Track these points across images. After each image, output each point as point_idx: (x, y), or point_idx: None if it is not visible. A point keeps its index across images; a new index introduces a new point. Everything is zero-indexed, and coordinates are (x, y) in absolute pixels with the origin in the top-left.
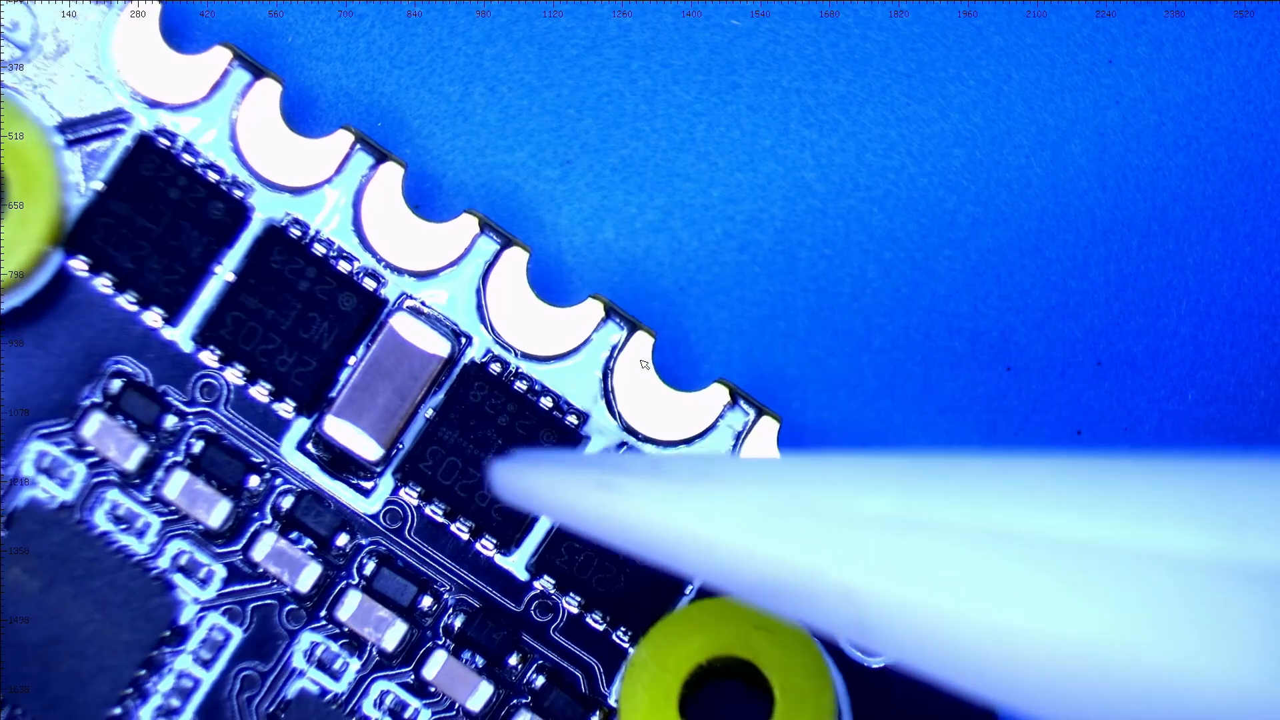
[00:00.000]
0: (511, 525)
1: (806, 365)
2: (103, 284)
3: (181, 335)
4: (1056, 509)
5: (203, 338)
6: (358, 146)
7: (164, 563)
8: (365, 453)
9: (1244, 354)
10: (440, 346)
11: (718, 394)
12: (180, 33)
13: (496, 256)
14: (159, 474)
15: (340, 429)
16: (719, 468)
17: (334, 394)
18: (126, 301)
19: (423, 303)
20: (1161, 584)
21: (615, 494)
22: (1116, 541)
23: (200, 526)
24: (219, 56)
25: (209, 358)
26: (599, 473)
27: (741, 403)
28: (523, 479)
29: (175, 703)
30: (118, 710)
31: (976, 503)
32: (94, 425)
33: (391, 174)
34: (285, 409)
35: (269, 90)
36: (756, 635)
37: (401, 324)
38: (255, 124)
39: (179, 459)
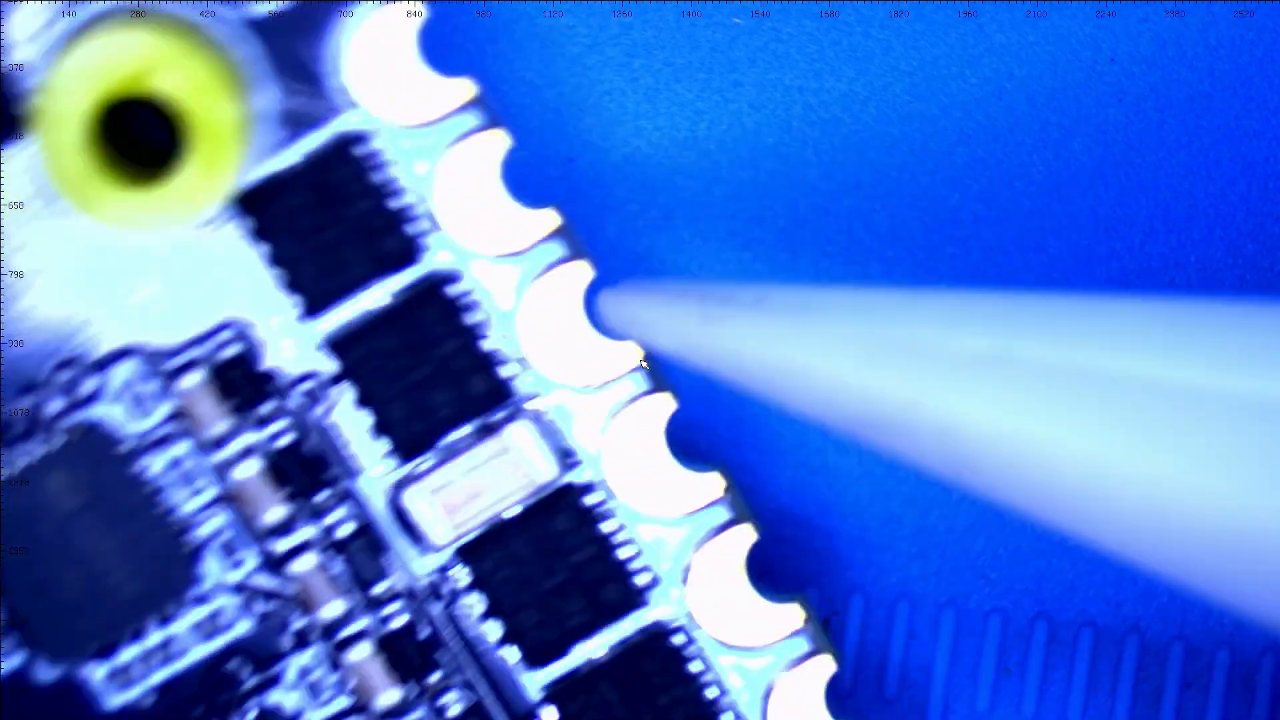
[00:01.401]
0: (545, 649)
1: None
2: (259, 251)
3: (311, 333)
4: (1155, 350)
5: (331, 346)
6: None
7: (203, 532)
8: (434, 534)
9: None
10: (547, 470)
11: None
12: (437, 36)
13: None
14: (232, 450)
15: (419, 502)
16: (822, 300)
17: (426, 467)
18: (275, 277)
19: (544, 412)
20: (1259, 431)
21: (719, 325)
22: (1215, 386)
23: (255, 519)
24: (460, 89)
25: (327, 365)
26: (704, 304)
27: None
28: (629, 308)
29: (154, 662)
30: (98, 644)
31: (1075, 342)
32: (193, 379)
33: (578, 275)
34: (381, 447)
35: (493, 143)
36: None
37: (518, 434)
38: (466, 172)
39: (259, 444)
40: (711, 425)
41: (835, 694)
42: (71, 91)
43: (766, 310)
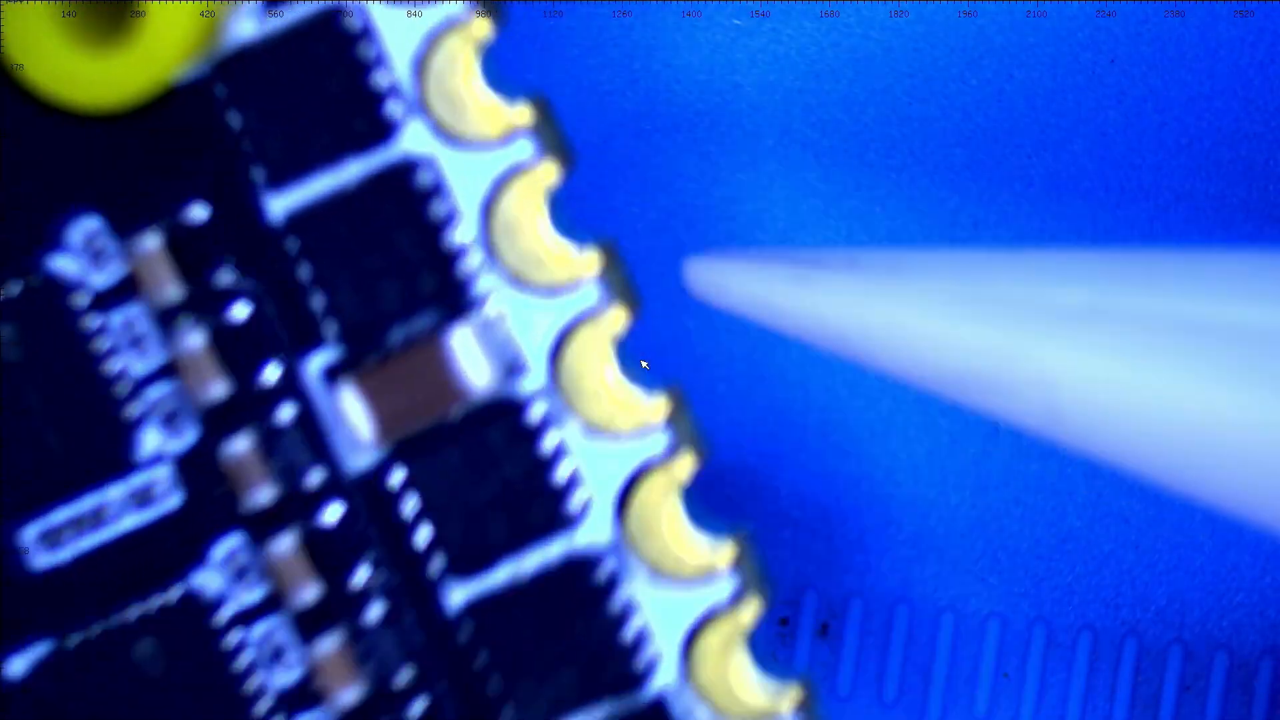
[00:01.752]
0: (470, 560)
1: (808, 365)
2: (229, 118)
3: (276, 206)
4: (1252, 297)
5: (291, 221)
6: None
7: (146, 399)
8: (364, 430)
9: None
10: (487, 379)
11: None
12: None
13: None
14: (183, 324)
15: (352, 396)
16: (915, 260)
17: (367, 363)
18: (243, 147)
19: (495, 318)
20: None
21: (812, 288)
22: None
23: (199, 393)
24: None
25: (290, 244)
26: (795, 268)
27: None
28: (717, 273)
29: (85, 527)
30: (29, 502)
31: (1170, 292)
32: (150, 241)
33: (548, 175)
34: (330, 331)
35: (479, 28)
36: None
37: (458, 342)
38: (448, 60)
39: (208, 319)
40: (710, 428)
41: (767, 652)
42: None
43: (859, 271)
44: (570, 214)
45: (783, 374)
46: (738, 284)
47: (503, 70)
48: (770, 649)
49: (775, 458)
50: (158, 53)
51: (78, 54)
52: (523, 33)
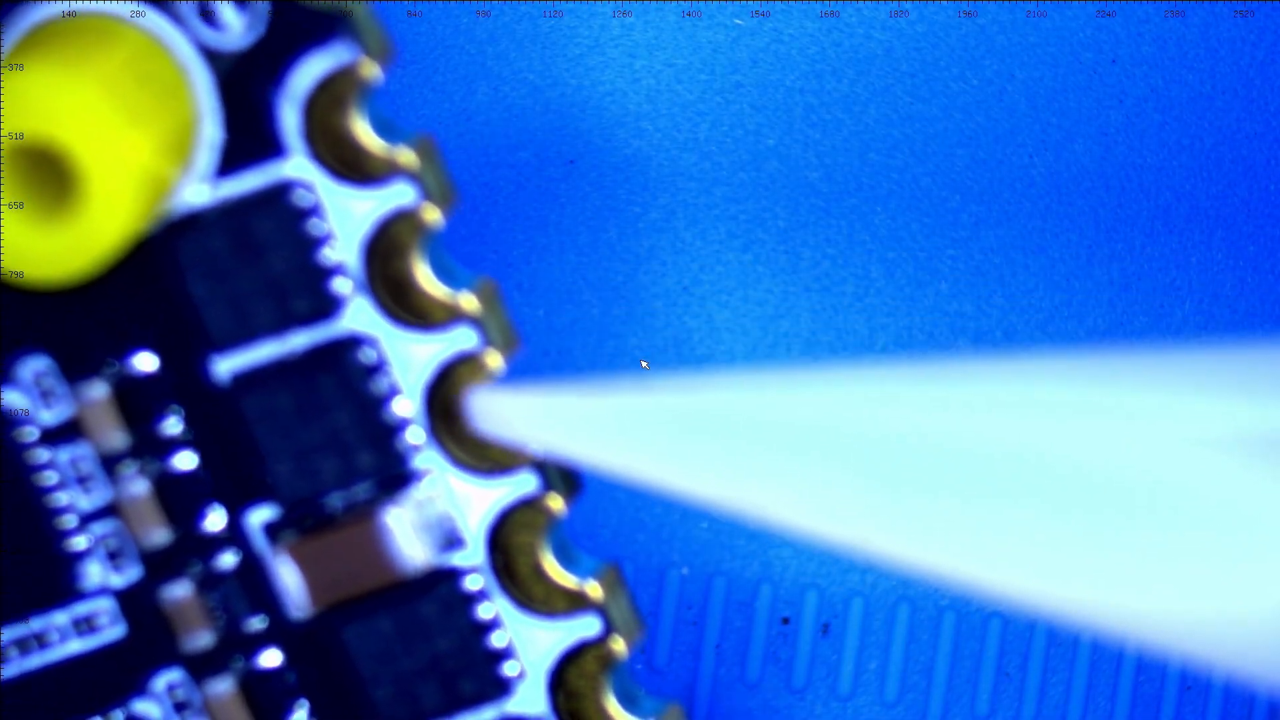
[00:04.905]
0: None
1: (810, 364)
2: (179, 278)
3: (221, 367)
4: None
5: (237, 384)
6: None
7: (84, 540)
8: (296, 606)
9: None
10: (422, 556)
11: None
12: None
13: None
14: (125, 470)
15: (287, 569)
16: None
17: (303, 529)
18: (192, 305)
19: (431, 497)
20: None
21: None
22: None
23: (142, 536)
24: (404, 156)
25: (233, 405)
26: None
27: None
28: (504, 406)
29: (29, 648)
30: None
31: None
32: (96, 390)
33: (492, 363)
34: (269, 491)
35: (428, 216)
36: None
37: (394, 521)
38: (396, 238)
39: (152, 466)
40: None
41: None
42: None
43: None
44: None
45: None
46: (524, 416)
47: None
48: None
49: None
50: (103, 227)
51: (20, 229)
52: (524, 32)
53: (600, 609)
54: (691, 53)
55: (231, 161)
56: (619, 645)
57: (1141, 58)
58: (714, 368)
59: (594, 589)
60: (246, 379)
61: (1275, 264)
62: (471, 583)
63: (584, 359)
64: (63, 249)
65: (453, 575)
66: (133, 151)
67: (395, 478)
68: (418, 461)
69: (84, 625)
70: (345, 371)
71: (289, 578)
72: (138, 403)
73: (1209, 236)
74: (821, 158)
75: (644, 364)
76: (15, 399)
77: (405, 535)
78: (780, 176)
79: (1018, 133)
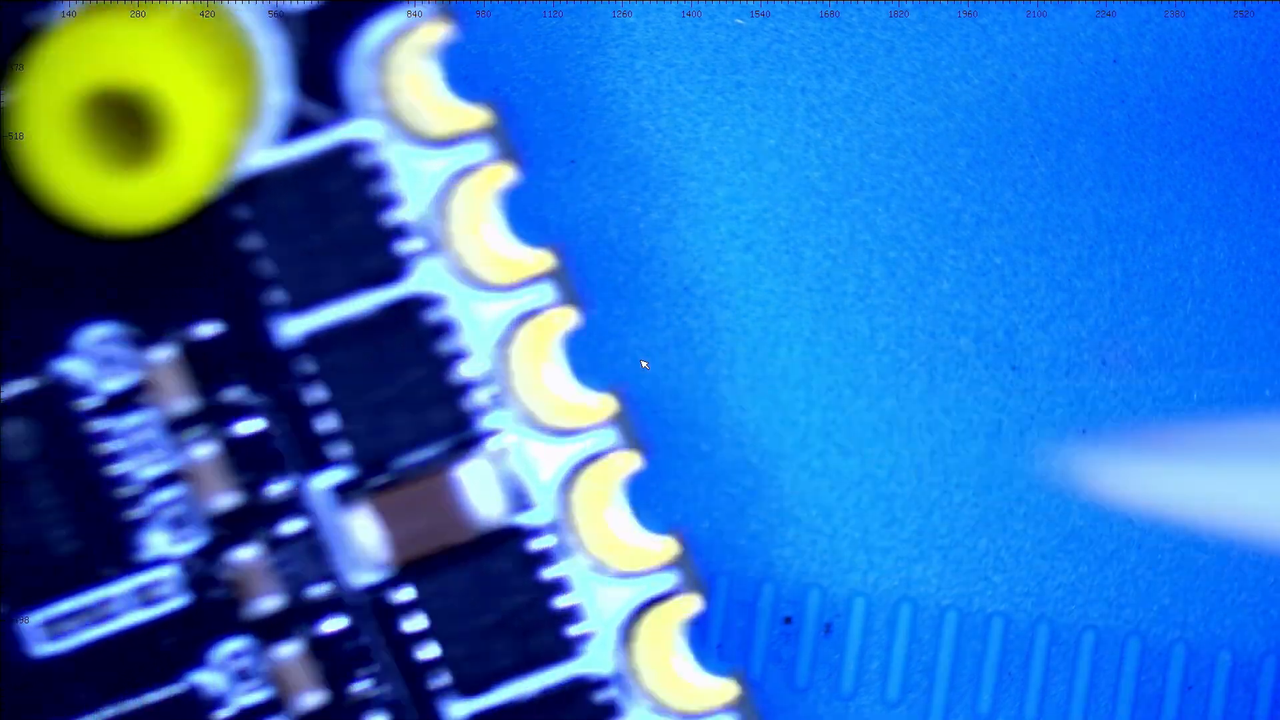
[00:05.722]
0: (474, 681)
1: (811, 364)
2: (246, 241)
3: (290, 329)
4: None
5: (306, 347)
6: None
7: (153, 502)
8: (373, 552)
9: (1250, 353)
10: (495, 510)
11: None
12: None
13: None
14: (193, 434)
15: (365, 525)
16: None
17: (379, 486)
18: (262, 267)
19: (504, 451)
20: None
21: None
22: None
23: (206, 500)
24: (476, 115)
25: (302, 366)
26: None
27: None
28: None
29: (87, 620)
30: (33, 592)
31: None
32: (163, 353)
33: (564, 320)
34: (339, 452)
35: (500, 174)
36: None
37: (468, 476)
38: (468, 199)
39: (222, 426)
40: (713, 426)
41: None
42: (52, 82)
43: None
44: (582, 353)
45: (785, 374)
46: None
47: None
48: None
49: (778, 457)
50: (183, 178)
51: (104, 177)
52: (524, 33)
53: (675, 566)
54: (692, 53)
55: (300, 124)
56: (691, 603)
57: (1144, 57)
58: (714, 367)
59: (669, 545)
60: (317, 339)
61: (1277, 264)
62: (542, 541)
63: (584, 359)
64: (144, 197)
65: (524, 533)
66: (215, 108)
67: (467, 437)
68: (488, 421)
69: (146, 595)
70: (415, 331)
71: (366, 533)
72: (205, 366)
73: (1211, 236)
74: (822, 157)
75: (644, 364)
76: (78, 367)
77: (479, 490)
78: (780, 176)
79: (1019, 132)
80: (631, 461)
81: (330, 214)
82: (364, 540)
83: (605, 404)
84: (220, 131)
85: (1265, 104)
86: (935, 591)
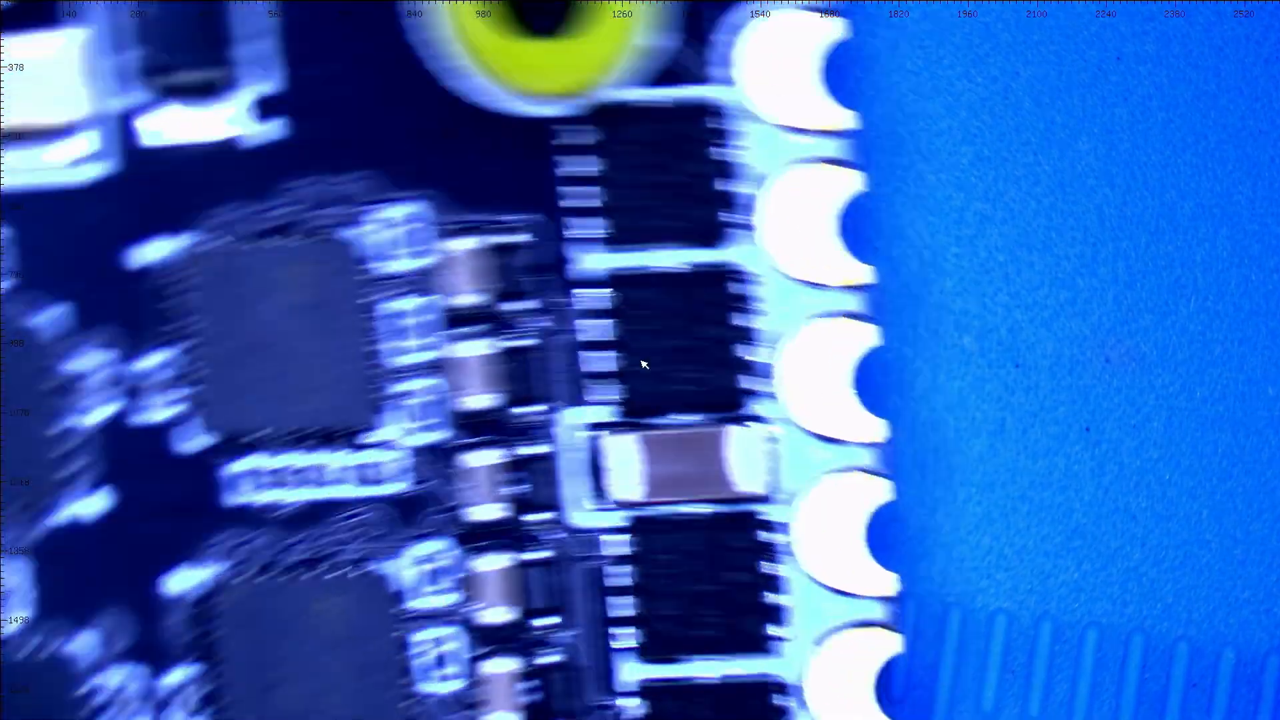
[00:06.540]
0: (662, 646)
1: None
2: (576, 168)
3: (601, 261)
4: None
5: (611, 280)
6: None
7: (403, 388)
8: (616, 490)
9: (1252, 350)
10: (751, 486)
11: None
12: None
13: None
14: (468, 331)
15: (616, 454)
16: None
17: (646, 424)
18: (582, 197)
19: (774, 436)
20: None
21: None
22: None
23: (457, 397)
24: (837, 115)
25: (599, 293)
26: None
27: None
28: None
29: (293, 481)
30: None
31: None
32: (463, 243)
33: (860, 336)
34: (610, 392)
35: (843, 179)
36: None
37: (735, 437)
38: (802, 191)
39: (493, 335)
40: None
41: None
42: None
43: None
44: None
45: None
46: None
47: None
48: None
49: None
50: (597, 55)
51: (528, 45)
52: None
53: (890, 599)
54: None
55: (670, 71)
56: (895, 641)
57: (1146, 55)
58: None
59: (891, 579)
60: (624, 277)
61: (1277, 261)
62: (775, 536)
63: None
64: (560, 66)
65: (762, 523)
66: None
67: (735, 416)
68: (760, 407)
69: (366, 474)
70: (721, 299)
71: (628, 463)
72: (502, 270)
73: (1213, 234)
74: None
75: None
76: (375, 233)
77: (744, 458)
78: None
79: (1022, 130)
80: (880, 490)
81: (672, 162)
82: (622, 471)
83: (875, 427)
84: (633, 27)
85: (1266, 103)
86: (938, 588)
